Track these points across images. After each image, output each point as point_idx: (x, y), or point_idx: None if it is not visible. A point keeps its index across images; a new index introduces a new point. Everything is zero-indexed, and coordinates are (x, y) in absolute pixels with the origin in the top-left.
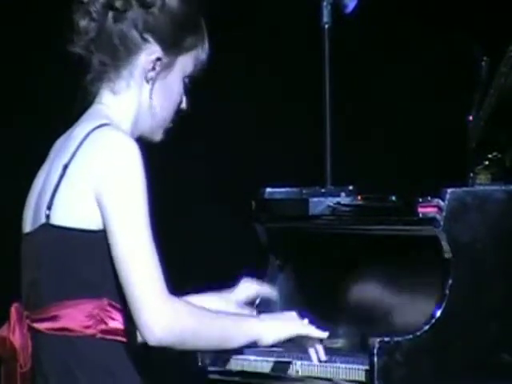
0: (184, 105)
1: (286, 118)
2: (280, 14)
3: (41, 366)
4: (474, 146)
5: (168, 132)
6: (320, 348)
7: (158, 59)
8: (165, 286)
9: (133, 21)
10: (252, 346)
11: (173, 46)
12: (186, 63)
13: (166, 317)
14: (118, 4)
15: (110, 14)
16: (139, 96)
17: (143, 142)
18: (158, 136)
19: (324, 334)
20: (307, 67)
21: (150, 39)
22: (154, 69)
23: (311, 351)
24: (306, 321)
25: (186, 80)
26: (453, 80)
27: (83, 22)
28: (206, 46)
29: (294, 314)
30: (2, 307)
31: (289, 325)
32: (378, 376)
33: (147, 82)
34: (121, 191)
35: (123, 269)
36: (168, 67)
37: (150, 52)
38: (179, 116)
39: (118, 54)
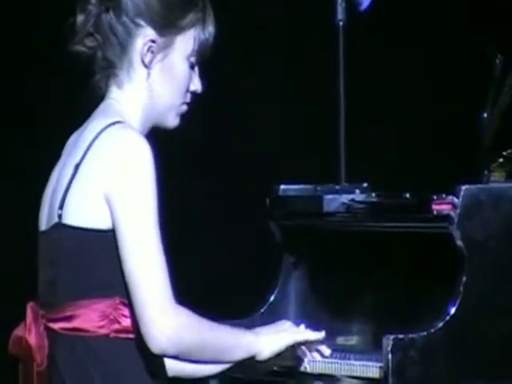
0: (196, 86)
1: (300, 115)
2: (294, 12)
3: (57, 365)
4: (489, 143)
5: (183, 116)
6: (322, 347)
7: (153, 41)
8: (171, 295)
9: (124, 8)
10: (250, 360)
11: (166, 26)
12: (185, 43)
13: (171, 329)
14: None
15: (104, 6)
16: (142, 84)
17: (154, 138)
18: (170, 121)
19: (320, 335)
20: (322, 64)
21: (142, 23)
22: (150, 52)
23: (314, 354)
24: (302, 327)
25: (193, 60)
26: (467, 77)
27: (81, 18)
28: (208, 25)
29: (288, 324)
30: (17, 306)
31: (284, 335)
32: (393, 373)
33: (145, 66)
34: (129, 193)
35: (130, 274)
36: (165, 48)
37: (144, 35)
38: (194, 99)
39: (116, 46)
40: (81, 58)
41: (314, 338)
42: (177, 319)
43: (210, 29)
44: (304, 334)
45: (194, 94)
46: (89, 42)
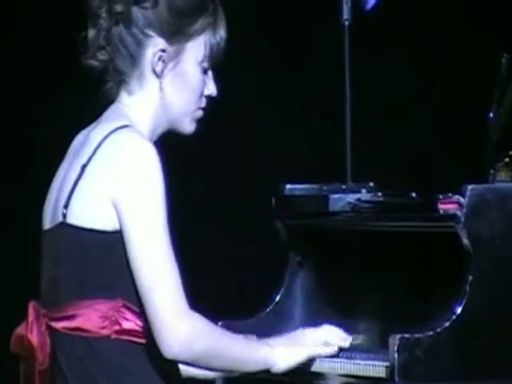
0: (211, 91)
1: (306, 114)
2: (300, 11)
3: (59, 364)
4: (495, 142)
5: (200, 121)
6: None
7: (163, 51)
8: (184, 299)
9: (133, 20)
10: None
11: (176, 34)
12: (196, 49)
13: (184, 333)
14: (118, 8)
15: (114, 19)
16: (154, 93)
17: (161, 142)
18: (187, 127)
19: (332, 350)
20: (327, 63)
21: (152, 33)
22: (160, 61)
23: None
24: (306, 332)
25: (205, 65)
26: (473, 76)
27: (92, 32)
28: (219, 29)
29: (305, 333)
30: (19, 305)
31: (299, 351)
32: (399, 372)
33: (157, 76)
34: (138, 198)
35: (141, 281)
36: (176, 56)
37: (154, 45)
38: (210, 104)
39: (127, 57)
40: (94, 71)
41: (326, 354)
42: (191, 324)
43: (222, 33)
44: (318, 349)
45: (209, 98)
46: (101, 56)
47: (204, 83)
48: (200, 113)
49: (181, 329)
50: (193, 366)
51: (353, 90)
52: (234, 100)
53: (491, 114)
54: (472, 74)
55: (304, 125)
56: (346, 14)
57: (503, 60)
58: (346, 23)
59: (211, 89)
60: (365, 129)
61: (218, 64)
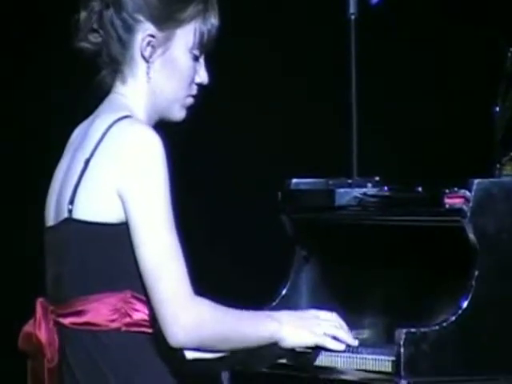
0: (202, 78)
1: (312, 108)
2: (306, 5)
3: (67, 361)
4: (500, 137)
5: (191, 109)
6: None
7: (152, 36)
8: (190, 287)
9: (123, 4)
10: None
11: (166, 20)
12: (185, 36)
13: (190, 322)
14: None
15: (104, 2)
16: (144, 78)
17: (166, 132)
18: (176, 114)
19: (341, 347)
20: (333, 58)
21: (142, 18)
22: (149, 46)
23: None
24: (328, 317)
25: (196, 53)
26: (478, 71)
27: (84, 14)
28: (209, 16)
29: (316, 315)
30: (26, 303)
31: (308, 335)
32: (405, 367)
33: (146, 61)
34: (141, 186)
35: (146, 269)
36: (165, 42)
37: (144, 30)
38: (201, 91)
39: (117, 42)
40: (85, 54)
41: (333, 348)
42: (196, 312)
43: (213, 20)
44: (326, 340)
45: (200, 85)
46: (93, 39)
47: (194, 70)
48: (190, 100)
49: (186, 317)
50: (199, 350)
51: (358, 84)
52: (239, 92)
53: (497, 109)
54: (477, 69)
55: (310, 119)
56: (352, 9)
57: (509, 55)
58: (352, 17)
59: (202, 76)
60: (371, 123)
61: (211, 51)
